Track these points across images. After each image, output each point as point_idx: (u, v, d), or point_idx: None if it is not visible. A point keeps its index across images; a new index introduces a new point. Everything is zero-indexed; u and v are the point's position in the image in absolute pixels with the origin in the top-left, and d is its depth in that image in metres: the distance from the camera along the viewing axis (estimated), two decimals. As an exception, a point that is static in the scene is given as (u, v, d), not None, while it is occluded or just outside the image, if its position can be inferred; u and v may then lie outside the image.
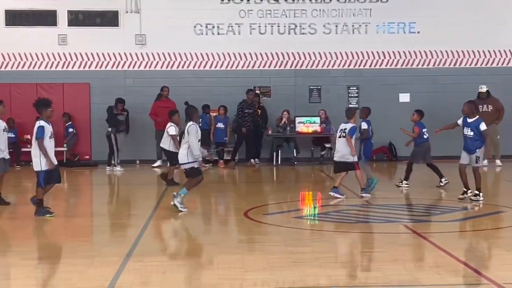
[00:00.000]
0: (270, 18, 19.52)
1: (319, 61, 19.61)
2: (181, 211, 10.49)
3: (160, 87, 18.40)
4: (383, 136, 18.26)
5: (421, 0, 19.56)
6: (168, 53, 19.40)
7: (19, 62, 19.26)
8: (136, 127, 18.84)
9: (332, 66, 19.61)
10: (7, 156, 11.50)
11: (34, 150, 10.30)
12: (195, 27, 19.39)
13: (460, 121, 11.70)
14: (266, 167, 18.44)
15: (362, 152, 13.02)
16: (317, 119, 18.65)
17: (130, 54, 19.36)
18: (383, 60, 19.66)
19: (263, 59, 19.56)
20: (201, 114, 17.50)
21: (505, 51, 19.67)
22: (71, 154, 18.80)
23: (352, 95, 19.68)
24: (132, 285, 6.57)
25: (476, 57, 19.70)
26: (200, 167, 10.91)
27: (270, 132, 18.72)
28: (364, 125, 13.00)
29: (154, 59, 19.41)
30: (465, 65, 19.69)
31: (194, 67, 19.45)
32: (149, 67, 19.40)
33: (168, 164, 14.64)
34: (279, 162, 18.67)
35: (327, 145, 18.85)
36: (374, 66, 19.64)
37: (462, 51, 19.65)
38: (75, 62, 19.30)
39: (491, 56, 19.69)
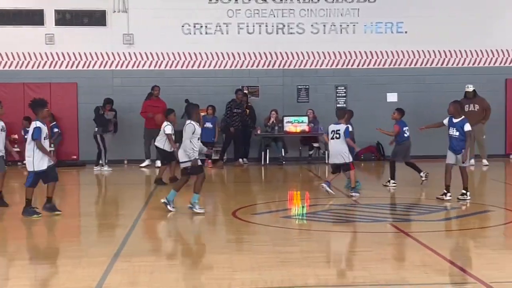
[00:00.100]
0: (258, 18, 19.53)
1: (307, 60, 19.65)
2: (199, 213, 10.44)
3: (151, 87, 18.38)
4: (371, 136, 18.31)
5: (409, 0, 19.65)
6: (156, 53, 19.37)
7: (6, 62, 19.16)
8: (124, 127, 18.80)
9: (320, 66, 19.66)
10: (3, 156, 11.47)
11: (28, 151, 10.28)
12: (183, 26, 19.37)
13: (445, 121, 11.75)
14: (255, 166, 18.45)
15: None
16: (305, 119, 18.68)
17: (118, 54, 19.31)
18: (371, 59, 19.72)
19: (251, 58, 19.57)
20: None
21: (491, 50, 19.79)
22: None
23: (340, 94, 19.73)
24: (119, 285, 6.56)
25: (463, 57, 19.80)
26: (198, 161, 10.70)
27: (259, 132, 18.73)
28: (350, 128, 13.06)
29: (142, 58, 19.37)
30: (452, 64, 19.80)
31: (182, 67, 19.43)
32: (137, 66, 19.36)
33: (160, 163, 14.54)
34: (267, 162, 18.68)
35: (315, 145, 18.90)
36: (362, 65, 19.70)
37: (449, 51, 19.75)
38: (62, 61, 19.23)
39: (477, 56, 19.80)
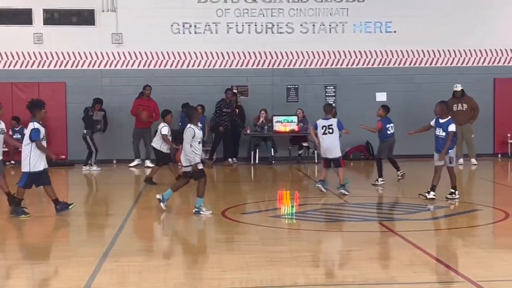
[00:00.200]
0: (247, 17, 19.52)
1: (296, 60, 19.66)
2: (205, 213, 10.43)
3: (142, 86, 18.32)
4: (360, 135, 18.30)
5: (398, 0, 19.70)
6: (145, 52, 19.32)
7: (-6, 61, 19.07)
8: (113, 127, 18.74)
9: (310, 65, 19.67)
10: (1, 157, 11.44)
11: (24, 152, 10.27)
12: (172, 26, 19.33)
13: (433, 122, 11.78)
14: (244, 166, 18.45)
15: None
16: (295, 118, 18.70)
17: (107, 53, 19.25)
18: (360, 59, 19.75)
19: (240, 58, 19.56)
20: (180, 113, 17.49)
21: (480, 50, 19.87)
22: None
23: (329, 94, 19.75)
24: (108, 285, 6.55)
25: (452, 56, 19.88)
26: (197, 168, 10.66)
27: (248, 131, 18.73)
28: None
29: (131, 58, 19.32)
30: (441, 64, 19.87)
31: (171, 66, 19.39)
32: (126, 66, 19.30)
33: (149, 163, 14.48)
34: (257, 161, 18.68)
35: (305, 144, 18.92)
36: (351, 65, 19.74)
37: (438, 50, 19.82)
38: (51, 61, 19.15)
39: (466, 56, 19.88)
